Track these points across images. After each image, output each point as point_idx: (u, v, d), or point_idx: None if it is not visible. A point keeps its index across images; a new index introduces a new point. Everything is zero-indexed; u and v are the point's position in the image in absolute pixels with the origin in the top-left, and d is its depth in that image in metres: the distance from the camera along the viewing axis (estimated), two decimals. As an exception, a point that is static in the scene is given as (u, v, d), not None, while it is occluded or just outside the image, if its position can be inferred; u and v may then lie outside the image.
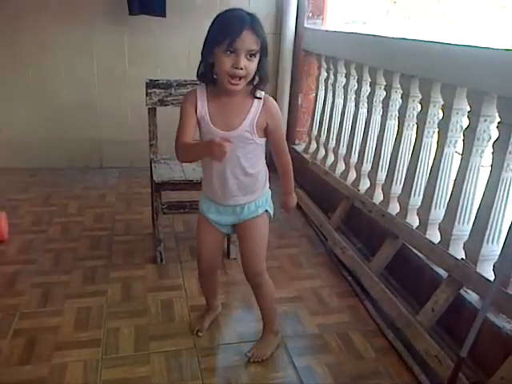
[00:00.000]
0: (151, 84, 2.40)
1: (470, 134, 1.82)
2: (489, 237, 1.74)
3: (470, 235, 1.82)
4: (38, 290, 2.05)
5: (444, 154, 1.97)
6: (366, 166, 2.59)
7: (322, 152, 3.16)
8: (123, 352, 1.71)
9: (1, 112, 3.37)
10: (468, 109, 1.83)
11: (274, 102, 1.51)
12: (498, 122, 1.70)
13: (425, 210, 2.07)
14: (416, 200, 2.16)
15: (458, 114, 1.91)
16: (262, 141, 1.52)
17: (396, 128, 2.33)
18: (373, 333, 1.88)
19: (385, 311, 1.94)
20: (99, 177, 3.46)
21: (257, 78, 1.44)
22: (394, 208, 2.30)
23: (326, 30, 3.22)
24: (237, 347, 1.76)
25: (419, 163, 2.12)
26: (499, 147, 1.68)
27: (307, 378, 1.63)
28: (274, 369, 1.67)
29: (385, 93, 2.41)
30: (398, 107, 2.31)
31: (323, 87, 3.20)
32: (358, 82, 2.70)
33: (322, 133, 3.13)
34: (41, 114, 3.42)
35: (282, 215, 2.89)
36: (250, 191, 1.56)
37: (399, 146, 2.27)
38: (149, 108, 2.44)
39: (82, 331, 1.80)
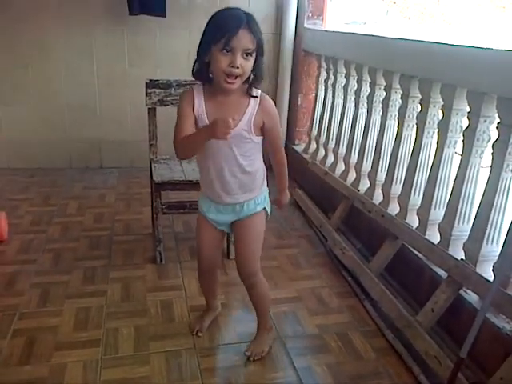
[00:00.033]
0: (151, 84, 2.40)
1: (469, 135, 1.82)
2: (488, 237, 1.74)
3: (469, 235, 1.82)
4: (37, 290, 2.05)
5: (444, 155, 1.97)
6: (366, 167, 2.59)
7: (321, 152, 3.16)
8: (123, 352, 1.71)
9: (1, 112, 3.37)
10: (468, 109, 1.83)
11: (270, 100, 1.51)
12: (498, 123, 1.70)
13: (424, 211, 2.07)
14: (416, 200, 2.16)
15: (457, 114, 1.91)
16: (259, 139, 1.52)
17: (396, 128, 2.33)
18: (372, 333, 1.88)
19: (384, 311, 1.95)
20: (99, 177, 3.46)
21: (252, 77, 1.43)
22: (394, 208, 2.30)
23: (326, 31, 3.22)
24: (236, 347, 1.76)
25: (419, 163, 2.13)
26: (499, 148, 1.68)
27: (307, 378, 1.63)
28: (273, 369, 1.67)
29: (384, 93, 2.41)
30: (397, 107, 2.31)
31: (323, 87, 3.20)
32: (357, 82, 2.70)
33: (322, 133, 3.13)
34: (41, 115, 3.43)
35: (281, 215, 2.91)
36: (249, 189, 1.57)
37: (399, 147, 2.27)
38: (148, 108, 2.44)
39: (81, 331, 1.80)
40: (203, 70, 1.43)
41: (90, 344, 1.73)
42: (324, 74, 3.18)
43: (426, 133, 2.09)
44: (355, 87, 2.74)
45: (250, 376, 1.63)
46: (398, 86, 2.28)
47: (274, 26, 3.54)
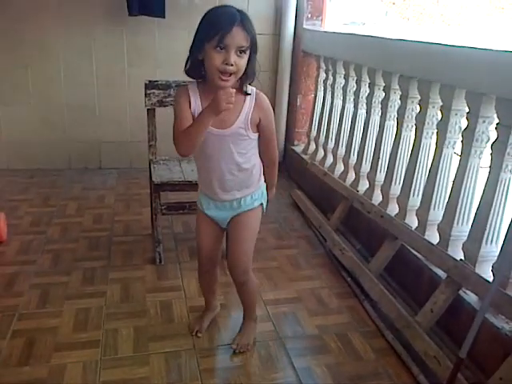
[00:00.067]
0: (150, 85, 2.40)
1: (468, 135, 1.82)
2: (488, 237, 1.74)
3: (468, 236, 1.82)
4: (37, 290, 2.05)
5: (443, 155, 1.98)
6: (365, 167, 2.59)
7: (320, 153, 3.16)
8: (122, 353, 1.71)
9: (1, 112, 3.37)
10: (467, 110, 1.83)
11: (265, 96, 1.51)
12: (497, 124, 1.70)
13: (424, 211, 2.07)
14: (415, 201, 2.16)
15: (456, 115, 1.92)
16: (256, 136, 1.53)
17: (395, 129, 2.33)
18: (372, 334, 1.88)
19: (384, 312, 1.95)
20: (98, 178, 3.46)
21: (245, 74, 1.43)
22: (393, 209, 2.30)
23: (325, 31, 3.23)
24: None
25: (418, 164, 2.13)
26: (498, 148, 1.68)
27: (306, 378, 1.63)
28: (273, 369, 1.67)
29: (384, 94, 2.41)
30: (396, 108, 2.32)
31: (322, 88, 3.20)
32: (356, 83, 2.71)
33: (321, 134, 3.13)
34: (40, 115, 3.42)
35: (280, 216, 2.91)
36: (246, 186, 1.58)
37: (398, 147, 2.27)
38: (148, 109, 2.44)
39: (81, 332, 1.80)
40: (197, 68, 1.43)
41: (90, 345, 1.73)
42: (323, 75, 3.18)
43: (425, 133, 2.09)
44: (354, 88, 2.74)
45: (249, 376, 1.63)
46: (397, 87, 2.28)
47: (273, 26, 3.55)
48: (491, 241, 1.75)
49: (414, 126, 2.18)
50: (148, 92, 2.40)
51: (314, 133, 3.28)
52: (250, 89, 1.48)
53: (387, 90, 2.36)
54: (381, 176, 2.44)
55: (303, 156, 3.38)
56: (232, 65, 1.35)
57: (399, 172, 2.30)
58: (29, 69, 3.32)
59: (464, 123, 1.87)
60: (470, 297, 1.72)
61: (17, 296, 2.00)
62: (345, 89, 2.84)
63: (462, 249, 1.85)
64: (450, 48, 1.85)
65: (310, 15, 3.36)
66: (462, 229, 1.89)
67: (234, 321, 1.92)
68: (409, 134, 2.26)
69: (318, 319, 1.95)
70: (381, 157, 2.44)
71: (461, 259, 1.78)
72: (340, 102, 2.91)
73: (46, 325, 1.83)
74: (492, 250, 1.75)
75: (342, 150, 2.87)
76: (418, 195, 2.16)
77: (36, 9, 3.20)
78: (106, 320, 1.88)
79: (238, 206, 1.60)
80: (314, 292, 2.14)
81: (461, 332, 1.55)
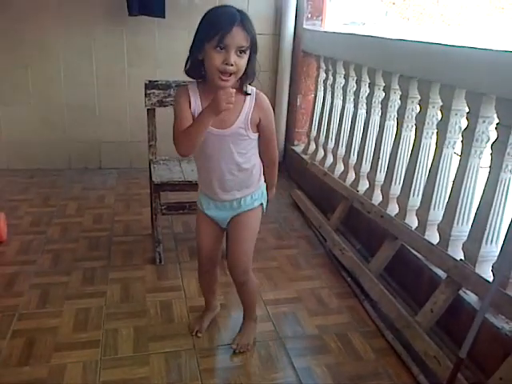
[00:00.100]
0: (150, 85, 2.40)
1: (468, 135, 1.82)
2: (488, 237, 1.74)
3: (468, 236, 1.82)
4: (37, 290, 2.05)
5: (443, 155, 1.98)
6: (365, 167, 2.59)
7: (321, 153, 3.16)
8: (122, 353, 1.71)
9: (1, 112, 3.37)
10: (467, 110, 1.83)
11: (265, 96, 1.52)
12: (497, 124, 1.70)
13: (424, 211, 2.07)
14: (415, 201, 2.16)
15: (456, 115, 1.92)
16: (256, 136, 1.53)
17: (395, 129, 2.33)
18: (372, 334, 1.88)
19: (384, 312, 1.95)
20: (98, 178, 3.46)
21: (245, 74, 1.43)
22: (393, 209, 2.30)
23: (325, 31, 3.23)
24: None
25: (418, 164, 2.13)
26: (498, 148, 1.68)
27: (306, 378, 1.63)
28: (273, 369, 1.67)
29: (384, 94, 2.41)
30: (396, 108, 2.32)
31: (322, 88, 3.20)
32: (356, 83, 2.71)
33: (321, 134, 3.13)
34: (40, 115, 3.42)
35: (280, 216, 2.91)
36: (246, 185, 1.58)
37: (398, 147, 2.27)
38: (148, 109, 2.44)
39: (81, 332, 1.80)
40: (197, 68, 1.43)
41: (90, 345, 1.73)
42: (323, 75, 3.18)
43: (425, 133, 2.09)
44: (354, 88, 2.74)
45: (249, 376, 1.63)
46: (397, 87, 2.28)
47: (273, 26, 3.55)
48: (491, 241, 1.75)
49: (414, 126, 2.18)
50: (148, 92, 2.40)
51: (313, 133, 3.28)
52: (250, 89, 1.48)
53: (387, 89, 2.36)
54: (381, 176, 2.44)
55: (303, 156, 3.38)
56: (232, 65, 1.35)
57: (399, 172, 2.30)
58: (29, 69, 3.32)
59: (464, 123, 1.87)
60: (470, 297, 1.72)
61: (17, 296, 2.00)
62: (345, 89, 2.84)
63: (462, 249, 1.85)
64: (450, 48, 1.85)
65: (310, 15, 3.36)
66: (462, 229, 1.89)
67: (234, 321, 1.92)
68: (409, 134, 2.26)
69: (318, 319, 1.95)
70: (381, 157, 2.44)
71: (461, 259, 1.78)
72: (340, 102, 2.91)
73: (46, 325, 1.83)
74: (492, 250, 1.75)
75: (342, 150, 2.87)
76: (418, 195, 2.16)
77: (36, 9, 3.20)
78: (106, 320, 1.88)
79: (238, 206, 1.60)
80: (314, 292, 2.14)
81: (461, 332, 1.55)
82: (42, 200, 3.02)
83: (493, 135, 1.75)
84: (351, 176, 2.74)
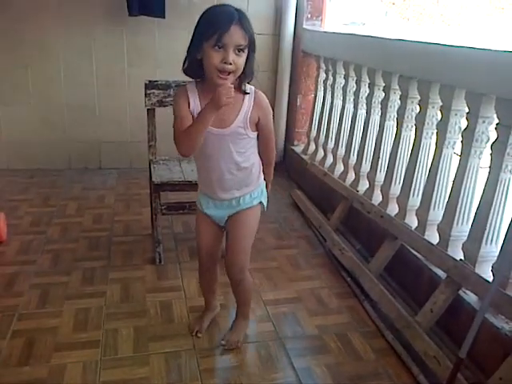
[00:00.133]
0: (150, 85, 2.40)
1: (468, 136, 1.82)
2: (487, 238, 1.74)
3: (468, 236, 1.82)
4: (36, 290, 2.05)
5: (442, 155, 1.98)
6: (365, 167, 2.59)
7: (320, 153, 3.16)
8: (122, 353, 1.70)
9: (1, 112, 3.37)
10: (466, 110, 1.83)
11: (264, 95, 1.52)
12: (497, 124, 1.70)
13: (423, 211, 2.07)
14: (415, 201, 2.16)
15: (456, 115, 1.92)
16: (255, 135, 1.54)
17: (395, 129, 2.34)
18: (372, 334, 1.88)
19: (384, 312, 1.95)
20: (98, 178, 3.46)
21: (244, 73, 1.44)
22: (393, 209, 2.30)
23: (325, 32, 3.23)
24: (236, 348, 1.77)
25: (418, 164, 2.13)
26: (497, 148, 1.68)
27: (306, 378, 1.63)
28: (273, 370, 1.67)
29: (383, 94, 2.41)
30: (396, 108, 2.32)
31: (322, 88, 3.20)
32: (356, 83, 2.71)
33: (321, 134, 3.13)
34: (40, 115, 3.42)
35: (280, 216, 2.91)
36: (245, 184, 1.59)
37: (398, 147, 2.28)
38: (148, 109, 2.44)
39: (80, 332, 1.80)
40: (195, 67, 1.44)
41: (90, 345, 1.73)
42: (323, 75, 3.18)
43: (424, 133, 2.09)
44: (354, 88, 2.74)
45: (249, 377, 1.63)
46: (397, 87, 2.28)
47: (273, 26, 3.55)
48: (491, 241, 1.75)
49: (414, 126, 2.18)
50: (148, 92, 2.40)
51: (313, 133, 3.28)
52: (248, 88, 1.48)
53: (387, 90, 2.36)
54: (381, 176, 2.44)
55: (303, 156, 3.38)
56: (231, 63, 1.36)
57: (399, 172, 2.30)
58: (29, 69, 3.32)
59: (464, 123, 1.87)
60: (470, 297, 1.72)
61: (17, 296, 2.00)
62: (345, 89, 2.84)
63: (462, 249, 1.85)
64: (450, 48, 1.85)
65: (309, 15, 3.36)
66: (462, 229, 1.89)
67: (234, 321, 1.92)
68: (409, 134, 2.26)
69: (318, 319, 1.95)
70: (381, 157, 2.44)
71: (461, 259, 1.78)
72: (340, 102, 2.91)
73: (46, 325, 1.83)
74: (492, 250, 1.75)
75: (341, 150, 2.87)
76: (417, 195, 2.16)
77: (36, 9, 3.20)
78: (106, 320, 1.88)
79: (237, 205, 1.60)
80: (313, 292, 2.14)
81: (460, 332, 1.55)
82: (41, 200, 3.02)
83: (493, 135, 1.75)
84: (351, 176, 2.75)
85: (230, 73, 1.38)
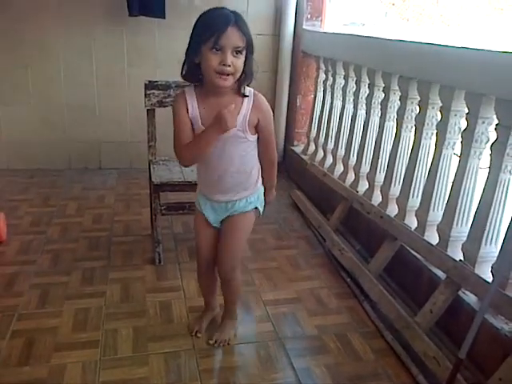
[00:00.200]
0: (150, 85, 2.40)
1: (468, 136, 1.83)
2: (487, 238, 1.74)
3: (468, 237, 1.83)
4: (36, 290, 2.05)
5: (442, 156, 1.98)
6: (365, 168, 2.59)
7: (320, 153, 3.16)
8: (122, 353, 1.71)
9: (1, 112, 3.37)
10: (466, 111, 1.84)
11: (263, 97, 1.52)
12: (496, 124, 1.70)
13: (423, 212, 2.07)
14: (414, 201, 2.16)
15: (456, 115, 1.92)
16: (254, 138, 1.54)
17: (394, 130, 2.34)
18: (371, 334, 1.88)
19: (383, 313, 1.95)
20: (98, 178, 3.46)
21: (243, 76, 1.44)
22: (393, 209, 2.31)
23: (325, 32, 3.23)
24: (235, 348, 1.77)
25: (418, 165, 2.13)
26: (497, 149, 1.68)
27: (306, 379, 1.64)
28: (272, 370, 1.67)
29: (383, 94, 2.42)
30: (396, 109, 2.32)
31: (322, 89, 3.21)
32: (356, 83, 2.71)
33: (321, 134, 3.13)
34: (40, 115, 3.43)
35: (280, 216, 2.91)
36: (244, 188, 1.59)
37: (398, 148, 2.28)
38: (148, 109, 2.44)
39: (80, 332, 1.80)
40: (194, 72, 1.44)
41: (89, 345, 1.73)
42: (323, 76, 3.18)
43: (424, 134, 2.09)
44: (354, 88, 2.75)
45: (248, 377, 1.63)
46: (397, 88, 2.28)
47: (273, 27, 3.55)
48: (491, 241, 1.75)
49: (414, 127, 2.18)
50: (148, 92, 2.40)
51: (313, 133, 3.28)
52: (247, 90, 1.48)
53: (387, 90, 2.36)
54: (380, 177, 2.44)
55: (303, 156, 3.38)
56: (229, 65, 1.36)
57: (399, 173, 2.30)
58: (29, 69, 3.32)
59: (463, 124, 1.87)
60: (470, 297, 1.72)
61: (17, 296, 2.00)
62: (344, 89, 2.84)
63: (462, 249, 1.85)
64: (449, 49, 1.85)
65: (309, 16, 3.36)
66: (462, 229, 1.89)
67: (234, 321, 1.92)
68: (408, 135, 2.26)
69: (318, 319, 1.95)
70: (380, 157, 2.44)
71: (460, 260, 1.79)
72: (340, 103, 2.91)
73: (46, 325, 1.83)
74: (491, 250, 1.76)
75: (341, 151, 2.87)
76: (417, 196, 2.16)
77: (36, 9, 3.20)
78: (106, 320, 1.88)
79: (232, 208, 1.61)
80: (313, 292, 2.14)
81: (460, 332, 1.55)
82: (42, 200, 3.02)
83: (492, 136, 1.75)
84: (351, 176, 2.75)
85: (228, 74, 1.38)
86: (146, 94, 2.40)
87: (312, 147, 3.33)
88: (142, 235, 2.60)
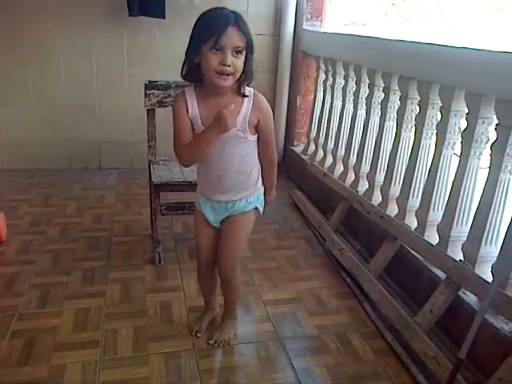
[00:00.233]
0: (150, 85, 2.40)
1: (468, 136, 1.83)
2: (487, 238, 1.74)
3: (468, 236, 1.83)
4: (36, 290, 2.05)
5: (442, 156, 1.98)
6: (365, 168, 2.59)
7: (320, 153, 3.16)
8: (122, 353, 1.71)
9: (1, 112, 3.37)
10: (466, 111, 1.84)
11: (263, 97, 1.52)
12: (496, 124, 1.70)
13: (423, 212, 2.07)
14: (414, 201, 2.17)
15: (456, 115, 1.92)
16: (254, 138, 1.54)
17: (394, 130, 2.34)
18: (371, 334, 1.88)
19: (383, 313, 1.95)
20: (98, 178, 3.46)
21: (243, 76, 1.44)
22: (393, 209, 2.31)
23: (325, 32, 3.23)
24: (236, 348, 1.77)
25: (418, 165, 2.13)
26: (497, 149, 1.69)
27: (306, 379, 1.64)
28: (272, 370, 1.67)
29: (383, 94, 2.42)
30: (396, 109, 2.32)
31: (322, 89, 3.21)
32: (356, 83, 2.71)
33: (321, 134, 3.13)
34: (40, 115, 3.43)
35: (280, 216, 2.91)
36: (244, 188, 1.59)
37: (398, 148, 2.28)
38: (148, 109, 2.44)
39: (80, 332, 1.80)
40: (194, 72, 1.44)
41: (89, 345, 1.73)
42: (323, 76, 3.18)
43: (424, 134, 2.09)
44: (354, 88, 2.75)
45: (249, 377, 1.63)
46: (397, 88, 2.28)
47: (273, 27, 3.55)
48: (491, 241, 1.75)
49: (414, 127, 2.18)
50: (148, 92, 2.40)
51: (313, 133, 3.28)
52: (247, 90, 1.48)
53: (387, 90, 2.36)
54: (380, 177, 2.44)
55: (303, 156, 3.38)
56: (229, 65, 1.36)
57: (399, 173, 2.30)
58: (29, 69, 3.32)
59: (463, 124, 1.87)
60: (470, 297, 1.72)
61: (17, 296, 2.00)
62: (344, 89, 2.85)
63: (462, 249, 1.85)
64: (450, 49, 1.85)
65: (309, 16, 3.36)
66: (462, 229, 1.89)
67: (234, 321, 1.92)
68: (408, 135, 2.26)
69: (318, 319, 1.95)
70: (380, 157, 2.44)
71: (460, 260, 1.79)
72: (340, 103, 2.91)
73: (46, 325, 1.83)
74: (491, 250, 1.76)
75: (341, 151, 2.87)
76: (417, 196, 2.16)
77: (36, 9, 3.20)
78: (106, 320, 1.88)
79: (232, 208, 1.61)
80: (313, 292, 2.14)
81: (460, 333, 1.55)
82: (42, 200, 3.02)
83: (492, 136, 1.75)
84: (351, 176, 2.75)
85: (228, 74, 1.38)
86: (146, 94, 2.40)
87: (312, 147, 3.33)
88: (142, 235, 2.60)
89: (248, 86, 1.48)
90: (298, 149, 3.54)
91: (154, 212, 2.28)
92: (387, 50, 2.31)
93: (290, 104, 3.63)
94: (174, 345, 1.76)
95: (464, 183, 1.85)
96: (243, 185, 1.58)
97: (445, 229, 1.93)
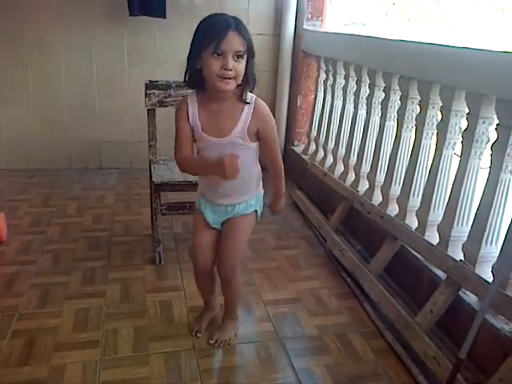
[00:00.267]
0: (150, 85, 2.40)
1: (468, 136, 1.82)
2: (487, 238, 1.74)
3: (468, 236, 1.82)
4: (36, 290, 2.05)
5: (443, 156, 1.98)
6: (365, 168, 2.59)
7: (321, 153, 3.16)
8: (122, 353, 1.71)
9: (1, 112, 3.37)
10: (467, 111, 1.84)
11: (264, 104, 1.51)
12: (497, 124, 1.70)
13: (424, 212, 2.07)
14: (415, 201, 2.16)
15: (456, 115, 1.92)
16: (255, 145, 1.54)
17: (395, 130, 2.34)
18: (372, 334, 1.88)
19: (384, 313, 1.95)
20: (98, 178, 3.46)
21: (245, 80, 1.44)
22: (393, 209, 2.31)
23: (325, 32, 3.23)
24: (236, 348, 1.77)
25: (418, 165, 2.13)
26: (498, 149, 1.68)
27: (306, 379, 1.64)
28: (273, 370, 1.67)
29: (384, 94, 2.41)
30: (396, 109, 2.32)
31: (322, 88, 3.20)
32: (357, 83, 2.71)
33: (321, 134, 3.13)
34: (40, 115, 3.43)
35: (280, 216, 2.91)
36: (244, 192, 1.60)
37: (398, 148, 2.28)
38: (148, 109, 2.44)
39: (80, 332, 1.80)
40: (196, 78, 1.45)
41: (90, 345, 1.73)
42: (323, 76, 3.18)
43: (425, 134, 2.09)
44: (354, 88, 2.74)
45: (249, 377, 1.63)
46: (397, 88, 2.28)
47: (274, 27, 3.55)
48: (491, 241, 1.75)
49: (414, 127, 2.18)
50: (148, 92, 2.40)
51: (314, 133, 3.28)
52: (249, 96, 1.47)
53: (387, 90, 2.36)
54: (381, 176, 2.44)
55: (303, 156, 3.38)
56: (231, 70, 1.37)
57: (399, 173, 2.30)
58: (29, 69, 3.32)
59: (464, 124, 1.87)
60: (470, 297, 1.72)
61: (17, 296, 2.00)
62: (345, 89, 2.84)
63: (462, 249, 1.85)
64: (450, 49, 1.85)
65: (310, 16, 3.36)
66: (462, 229, 1.89)
67: (234, 321, 1.92)
68: (409, 135, 2.26)
69: (318, 320, 1.95)
70: (381, 157, 2.44)
71: (460, 260, 1.78)
72: (340, 103, 2.91)
73: (46, 325, 1.83)
74: (492, 250, 1.76)
75: (342, 151, 2.87)
76: (417, 196, 2.16)
77: (36, 9, 3.20)
78: (106, 320, 1.88)
79: (232, 211, 1.62)
80: (313, 292, 2.14)
81: (460, 333, 1.55)
82: (42, 200, 3.02)
83: (493, 136, 1.75)
84: (351, 176, 2.75)
85: (230, 79, 1.38)
86: (146, 94, 2.40)
87: (312, 147, 3.33)
88: (142, 235, 2.60)
89: (251, 91, 1.48)
90: (299, 149, 3.54)
91: (155, 212, 2.27)
92: (388, 49, 2.31)
93: (290, 104, 3.63)
94: (174, 345, 1.76)
95: (464, 183, 1.85)
96: (243, 189, 1.59)
97: (445, 229, 1.93)
